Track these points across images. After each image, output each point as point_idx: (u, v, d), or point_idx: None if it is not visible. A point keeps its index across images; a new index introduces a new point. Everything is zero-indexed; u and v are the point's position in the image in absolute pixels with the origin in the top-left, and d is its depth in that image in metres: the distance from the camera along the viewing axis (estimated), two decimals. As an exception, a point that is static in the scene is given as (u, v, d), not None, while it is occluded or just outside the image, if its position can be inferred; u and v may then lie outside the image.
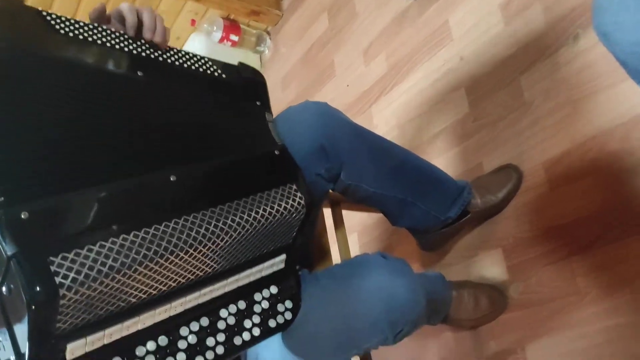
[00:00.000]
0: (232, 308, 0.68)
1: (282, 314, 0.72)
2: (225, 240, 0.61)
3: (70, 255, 0.49)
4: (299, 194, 0.68)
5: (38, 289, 0.46)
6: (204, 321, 0.65)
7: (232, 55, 2.12)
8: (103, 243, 0.51)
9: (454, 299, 1.05)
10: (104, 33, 0.70)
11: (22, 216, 0.48)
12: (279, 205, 0.66)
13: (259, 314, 0.70)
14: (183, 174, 0.60)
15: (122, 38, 0.71)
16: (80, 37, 0.68)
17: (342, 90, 1.72)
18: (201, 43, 2.05)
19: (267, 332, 0.70)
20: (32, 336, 0.49)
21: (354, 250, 1.42)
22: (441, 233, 1.08)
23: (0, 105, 0.54)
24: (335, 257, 0.98)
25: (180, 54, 0.75)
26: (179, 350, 0.62)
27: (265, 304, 0.71)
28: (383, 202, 0.96)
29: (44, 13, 0.67)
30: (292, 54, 2.03)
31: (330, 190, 0.91)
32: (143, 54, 0.71)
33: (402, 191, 0.96)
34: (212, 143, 0.67)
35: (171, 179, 0.59)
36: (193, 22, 2.08)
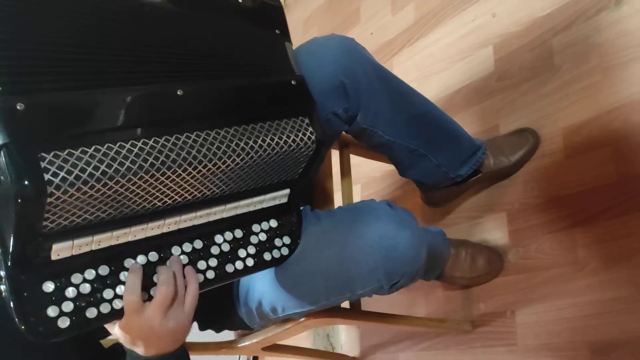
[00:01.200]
0: (228, 235, 0.67)
1: (279, 248, 0.72)
2: (227, 164, 0.59)
3: (63, 154, 0.48)
4: (310, 129, 0.66)
5: (26, 182, 0.45)
6: (198, 244, 0.65)
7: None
8: (98, 147, 0.50)
9: (451, 256, 1.04)
10: None
11: (18, 107, 0.46)
12: (288, 137, 0.64)
13: (255, 245, 0.69)
14: (191, 90, 0.57)
15: None
16: None
17: (364, 38, 1.66)
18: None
19: (260, 265, 0.70)
20: (17, 231, 0.49)
21: (356, 201, 1.41)
22: (448, 190, 1.06)
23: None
24: (338, 203, 0.97)
25: None
26: None
27: (263, 236, 0.70)
28: (395, 150, 0.94)
29: None
30: (318, -5, 1.96)
31: (344, 132, 0.88)
32: None
33: (416, 142, 0.93)
34: (228, 66, 0.64)
35: (178, 92, 0.56)
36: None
